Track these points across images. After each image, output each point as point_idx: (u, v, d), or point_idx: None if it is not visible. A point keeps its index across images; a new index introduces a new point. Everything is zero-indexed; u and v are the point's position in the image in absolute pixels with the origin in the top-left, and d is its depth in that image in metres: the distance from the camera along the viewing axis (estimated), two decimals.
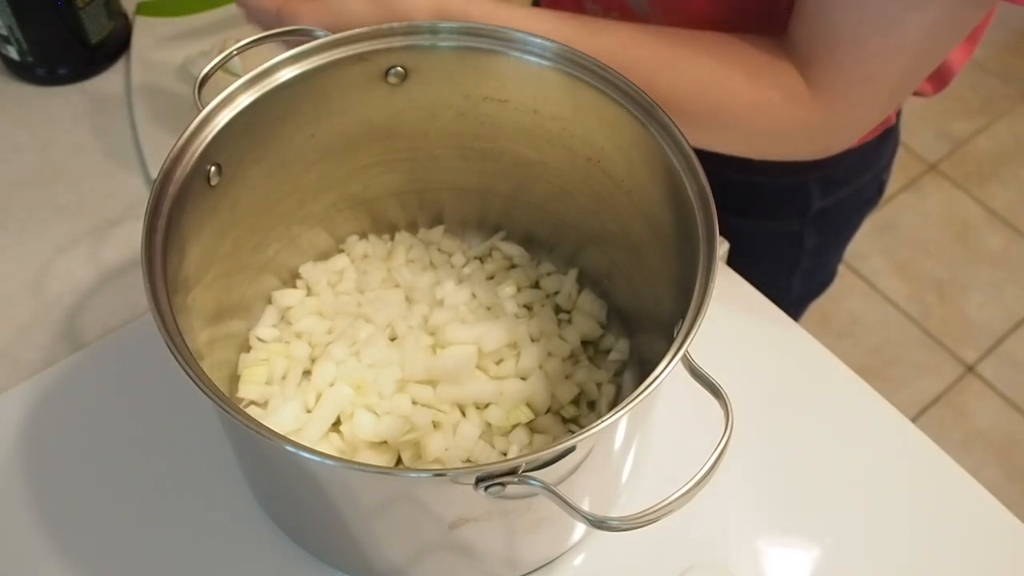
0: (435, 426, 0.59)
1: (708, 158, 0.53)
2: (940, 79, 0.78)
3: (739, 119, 0.63)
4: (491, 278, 0.68)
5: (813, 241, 0.89)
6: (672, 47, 0.62)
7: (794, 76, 0.62)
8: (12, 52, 0.81)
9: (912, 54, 0.60)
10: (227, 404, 0.43)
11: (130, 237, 0.73)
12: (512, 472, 0.43)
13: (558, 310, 0.66)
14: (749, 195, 0.82)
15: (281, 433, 0.43)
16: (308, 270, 0.66)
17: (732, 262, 0.74)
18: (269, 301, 0.65)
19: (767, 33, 0.65)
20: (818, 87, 0.62)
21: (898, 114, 0.85)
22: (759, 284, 0.72)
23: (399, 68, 0.58)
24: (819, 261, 0.94)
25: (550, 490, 0.43)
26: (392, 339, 0.63)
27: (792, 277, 0.92)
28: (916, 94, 0.79)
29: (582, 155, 0.60)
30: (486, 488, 0.43)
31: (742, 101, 0.62)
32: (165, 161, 0.51)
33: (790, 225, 0.87)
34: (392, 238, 0.69)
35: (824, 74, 0.61)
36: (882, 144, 0.86)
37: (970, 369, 1.69)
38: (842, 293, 1.78)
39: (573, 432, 0.47)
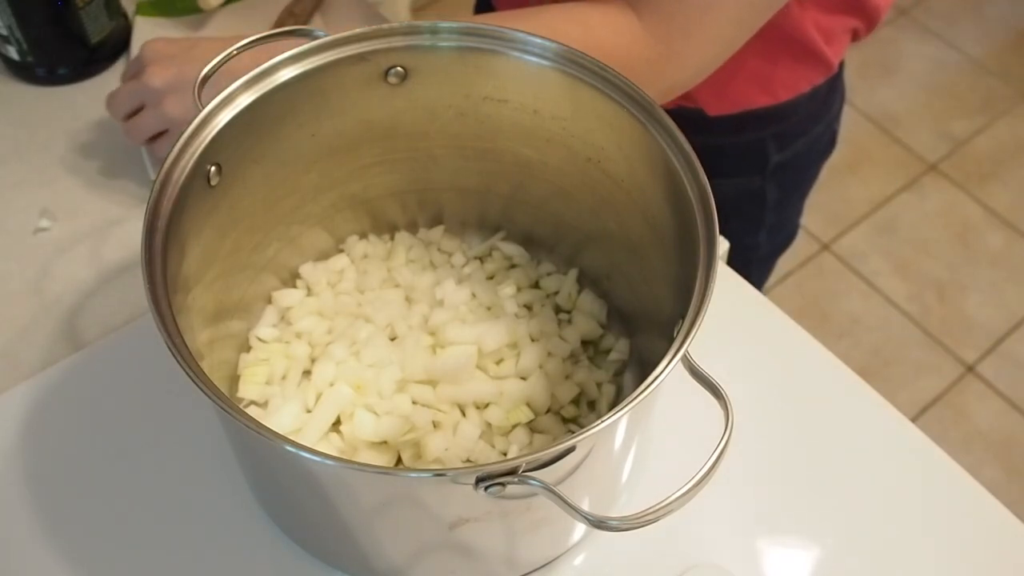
0: (435, 426, 0.58)
1: None
2: (868, 19, 0.81)
3: None
4: (491, 278, 0.68)
5: (775, 196, 0.92)
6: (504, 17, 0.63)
7: (624, 13, 0.63)
8: (12, 52, 0.81)
9: None
10: (227, 404, 0.43)
11: (130, 237, 0.73)
12: (512, 472, 0.43)
13: (558, 310, 0.66)
14: (710, 156, 0.85)
15: (281, 433, 0.43)
16: (308, 270, 0.66)
17: None
18: (269, 301, 0.65)
19: None
20: (650, 20, 0.63)
21: (841, 64, 0.87)
22: (730, 243, 0.74)
23: (399, 68, 0.58)
24: (782, 216, 0.98)
25: (550, 490, 0.43)
26: (392, 339, 0.63)
27: (759, 234, 0.96)
28: (850, 37, 0.82)
29: (582, 155, 0.60)
30: (486, 488, 0.43)
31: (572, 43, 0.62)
32: (165, 161, 0.51)
33: (752, 182, 0.90)
34: (392, 238, 0.69)
35: (653, 5, 0.63)
36: (831, 94, 0.89)
37: (970, 369, 1.69)
38: (842, 293, 1.78)
39: (573, 432, 0.47)
